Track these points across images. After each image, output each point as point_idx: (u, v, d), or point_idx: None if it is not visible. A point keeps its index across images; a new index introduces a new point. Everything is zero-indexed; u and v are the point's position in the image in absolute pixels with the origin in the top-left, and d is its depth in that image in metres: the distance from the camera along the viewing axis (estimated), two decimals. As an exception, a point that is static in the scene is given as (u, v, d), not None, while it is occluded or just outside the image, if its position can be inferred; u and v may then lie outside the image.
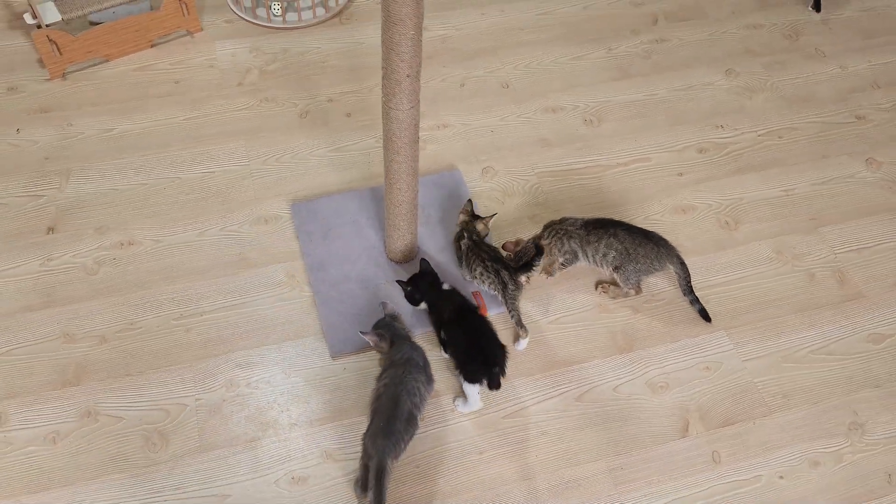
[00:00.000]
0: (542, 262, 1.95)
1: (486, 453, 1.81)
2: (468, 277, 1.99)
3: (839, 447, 1.85)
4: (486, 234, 2.04)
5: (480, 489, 1.75)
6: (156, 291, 2.04)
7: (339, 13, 2.78)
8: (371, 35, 2.71)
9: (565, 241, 1.98)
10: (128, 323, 1.98)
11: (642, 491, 1.76)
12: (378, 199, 2.23)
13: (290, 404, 1.86)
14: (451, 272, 2.07)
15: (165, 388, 1.88)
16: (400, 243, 2.01)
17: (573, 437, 1.84)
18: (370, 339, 1.78)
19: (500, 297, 1.92)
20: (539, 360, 1.96)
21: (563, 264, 2.04)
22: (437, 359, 1.92)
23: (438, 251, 2.13)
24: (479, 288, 1.99)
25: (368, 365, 1.92)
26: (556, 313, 2.05)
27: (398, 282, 1.93)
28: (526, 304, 2.05)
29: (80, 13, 2.42)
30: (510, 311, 1.90)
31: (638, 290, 2.05)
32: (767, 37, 2.80)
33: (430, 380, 1.76)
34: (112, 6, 2.47)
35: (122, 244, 2.13)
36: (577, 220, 2.00)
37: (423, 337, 1.96)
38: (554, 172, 2.35)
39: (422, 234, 2.15)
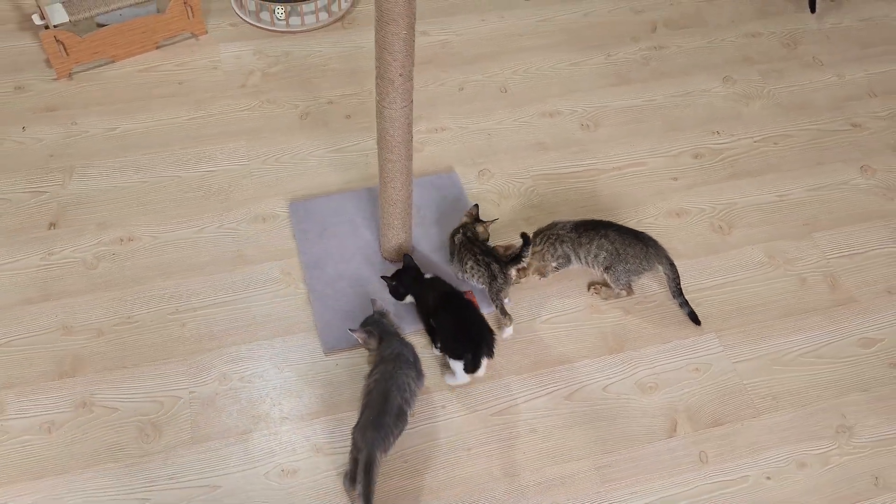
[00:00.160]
0: (531, 256, 1.98)
1: (474, 449, 1.82)
2: (459, 274, 2.02)
3: (826, 449, 1.85)
4: (486, 238, 2.06)
5: (467, 485, 1.77)
6: (153, 286, 2.08)
7: (342, 18, 2.83)
8: (372, 40, 2.73)
9: (557, 245, 2.00)
10: (125, 317, 2.02)
11: (628, 489, 1.78)
12: (375, 200, 2.26)
13: (282, 398, 1.89)
14: (446, 272, 2.09)
15: (160, 380, 1.91)
16: (394, 242, 2.04)
17: (561, 435, 1.85)
18: (358, 336, 1.81)
19: (486, 290, 1.95)
20: (530, 358, 1.97)
21: (556, 267, 2.07)
22: (429, 356, 1.94)
23: (433, 251, 2.15)
24: (468, 282, 2.01)
25: (361, 361, 1.94)
26: (548, 313, 2.07)
27: (383, 277, 1.97)
28: (518, 305, 2.07)
29: (87, 15, 2.48)
30: (494, 302, 1.93)
31: (629, 291, 2.06)
32: (766, 45, 2.83)
33: (420, 375, 1.79)
34: (119, 8, 2.52)
35: (122, 240, 2.17)
36: (566, 223, 2.03)
37: (413, 335, 1.98)
38: (549, 175, 2.38)
39: (417, 234, 2.17)
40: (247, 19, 2.79)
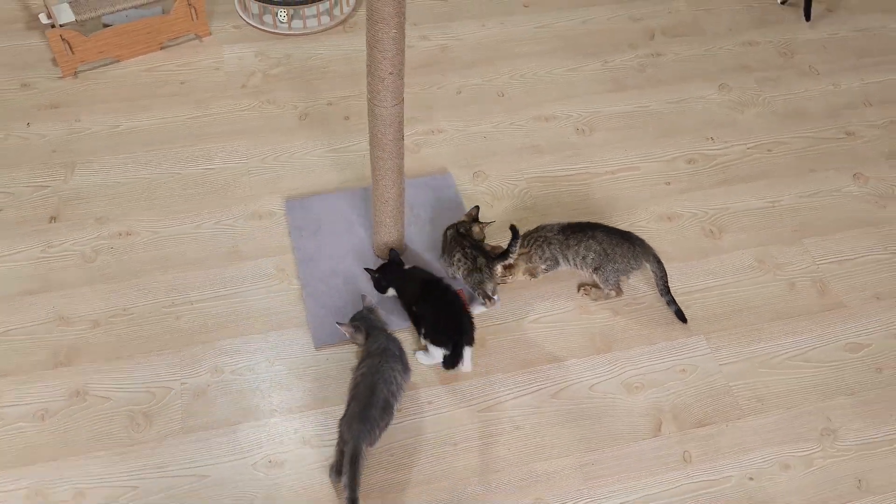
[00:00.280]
0: (518, 258, 2.00)
1: (460, 445, 1.84)
2: (448, 268, 2.04)
3: (810, 452, 1.86)
4: (482, 239, 2.08)
5: (452, 479, 1.79)
6: (150, 280, 2.11)
7: (343, 22, 2.87)
8: (373, 43, 2.79)
9: (545, 248, 2.03)
10: (121, 309, 2.05)
11: (611, 487, 1.79)
12: (370, 199, 2.28)
13: (272, 391, 1.92)
14: (437, 270, 2.11)
15: (153, 371, 1.94)
16: (386, 239, 2.07)
17: (546, 433, 1.87)
18: (346, 330, 1.83)
19: (464, 280, 1.99)
20: (518, 357, 2.00)
21: (545, 269, 2.09)
22: (415, 350, 1.97)
23: (426, 250, 2.18)
24: (454, 275, 2.04)
25: (350, 356, 1.97)
26: (537, 313, 2.09)
27: (367, 269, 2.00)
28: (508, 304, 2.09)
29: (92, 15, 2.53)
30: (473, 289, 1.98)
31: (619, 292, 2.08)
32: (763, 53, 2.85)
33: (406, 369, 1.81)
34: (124, 9, 2.58)
35: (121, 234, 2.21)
36: (553, 226, 2.05)
37: (400, 331, 2.01)
38: (543, 178, 2.41)
39: (410, 233, 2.20)
40: (250, 22, 2.84)
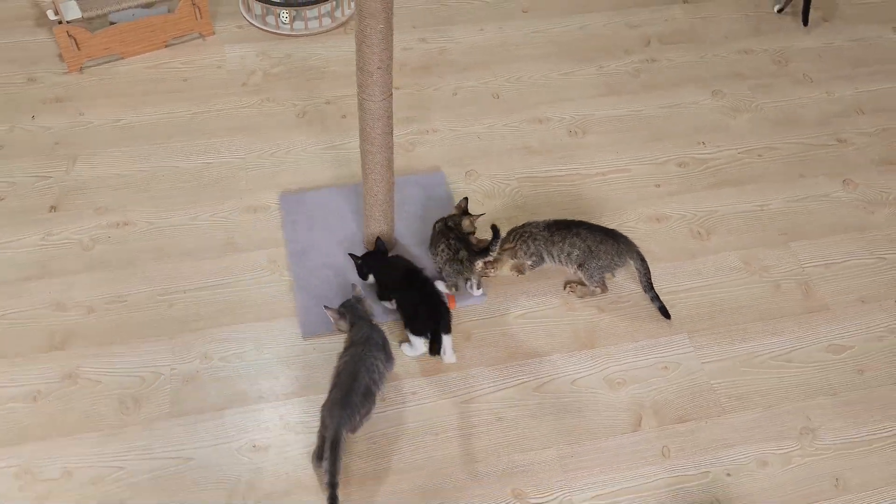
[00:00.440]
0: (504, 253, 2.04)
1: (441, 435, 1.87)
2: (433, 259, 2.08)
3: (789, 450, 1.88)
4: (472, 231, 2.12)
5: (432, 467, 1.82)
6: (145, 269, 2.16)
7: (344, 24, 2.93)
8: (372, 45, 2.84)
9: (530, 243, 2.06)
10: (115, 296, 2.10)
11: (590, 479, 1.81)
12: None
13: (260, 379, 1.95)
14: (429, 265, 2.15)
15: (144, 357, 1.98)
16: (376, 231, 2.11)
17: (527, 425, 1.90)
18: (330, 314, 1.87)
19: (443, 270, 2.03)
20: (502, 351, 2.03)
21: (531, 265, 2.12)
22: (399, 341, 2.00)
23: (416, 245, 2.22)
24: (439, 266, 2.07)
25: (336, 347, 1.99)
26: (522, 309, 2.12)
27: (351, 255, 2.05)
28: (494, 299, 2.13)
29: (99, 12, 2.60)
30: (449, 277, 2.02)
31: (604, 289, 2.11)
32: (757, 61, 2.88)
33: (389, 358, 1.84)
34: (130, 7, 2.64)
35: (119, 224, 2.26)
36: (539, 222, 2.08)
37: (385, 324, 2.05)
38: (534, 178, 2.44)
39: (400, 228, 2.24)
40: (253, 22, 2.90)
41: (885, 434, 1.91)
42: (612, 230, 2.07)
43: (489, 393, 1.95)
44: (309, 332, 2.03)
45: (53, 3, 2.54)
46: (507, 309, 2.11)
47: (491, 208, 2.34)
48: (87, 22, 2.62)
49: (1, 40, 2.78)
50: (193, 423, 1.87)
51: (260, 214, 2.31)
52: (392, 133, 1.89)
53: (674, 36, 2.97)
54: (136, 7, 2.69)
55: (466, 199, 2.15)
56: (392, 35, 1.68)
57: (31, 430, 1.85)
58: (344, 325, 1.87)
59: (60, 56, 2.71)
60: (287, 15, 2.84)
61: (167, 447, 1.83)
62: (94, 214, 2.28)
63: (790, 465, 1.86)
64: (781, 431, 1.91)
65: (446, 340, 1.90)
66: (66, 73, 2.68)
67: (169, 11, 2.76)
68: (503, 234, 2.07)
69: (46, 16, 2.57)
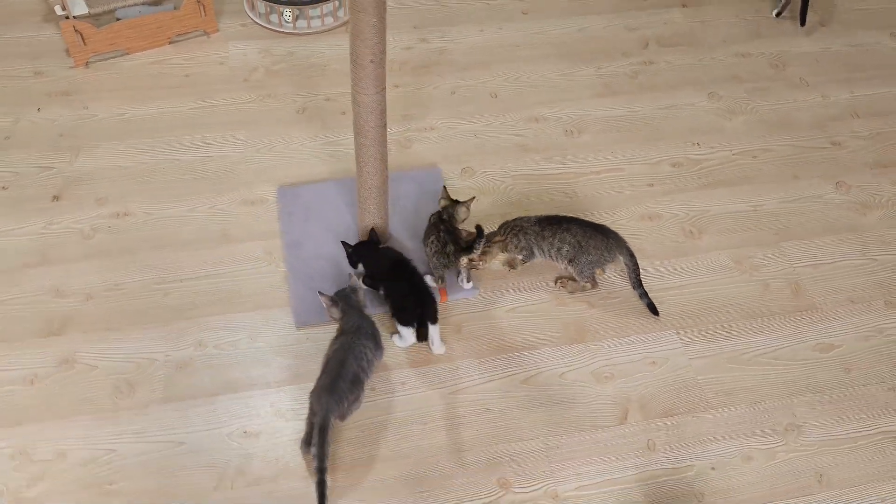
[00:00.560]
0: (495, 246, 2.07)
1: (429, 424, 1.90)
2: (425, 250, 2.10)
3: (774, 445, 1.89)
4: (466, 217, 2.13)
5: (419, 456, 1.84)
6: (143, 258, 2.20)
7: (346, 23, 2.97)
8: (373, 44, 2.89)
9: (521, 237, 2.09)
10: (113, 284, 2.14)
11: (574, 470, 1.83)
12: (359, 190, 2.37)
13: (252, 366, 1.99)
14: (422, 258, 2.18)
15: (139, 343, 2.02)
16: (370, 224, 2.14)
17: (514, 416, 1.92)
18: (324, 301, 1.90)
19: (432, 260, 2.06)
20: (492, 343, 2.05)
21: (522, 260, 2.15)
22: (389, 332, 2.03)
23: (409, 239, 2.25)
24: (426, 256, 2.11)
25: (329, 336, 2.02)
26: (513, 303, 2.14)
27: (343, 243, 2.08)
28: (485, 293, 2.15)
29: (105, 8, 2.66)
30: (435, 269, 2.06)
31: (594, 284, 2.14)
32: (755, 65, 2.90)
33: (378, 346, 1.87)
34: (136, 4, 2.69)
35: (118, 214, 2.30)
36: (531, 217, 2.11)
37: (381, 317, 2.08)
38: (529, 176, 2.47)
39: (395, 223, 2.28)
40: (257, 21, 2.95)
41: (869, 432, 1.93)
42: (602, 226, 2.09)
43: (477, 384, 1.98)
44: (302, 322, 2.06)
45: (61, -2, 2.60)
46: (498, 303, 2.14)
47: (485, 205, 2.37)
48: (94, 18, 2.67)
49: (10, 35, 2.84)
50: (186, 409, 1.90)
51: (257, 207, 2.34)
52: (385, 127, 1.92)
53: (672, 39, 3.00)
54: (143, 4, 2.74)
55: (444, 187, 2.17)
56: (385, 29, 1.71)
57: (27, 412, 1.88)
58: (336, 312, 1.90)
59: (67, 51, 2.77)
60: (290, 14, 2.89)
61: (159, 431, 1.86)
62: (95, 205, 2.33)
63: (774, 460, 1.87)
64: (767, 427, 1.93)
65: (433, 331, 1.93)
66: (72, 67, 2.73)
67: (174, 9, 2.81)
68: (496, 228, 2.11)
69: (54, 11, 2.63)
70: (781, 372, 2.03)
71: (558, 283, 2.17)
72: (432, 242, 2.05)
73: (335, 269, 2.16)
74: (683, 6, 3.14)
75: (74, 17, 2.61)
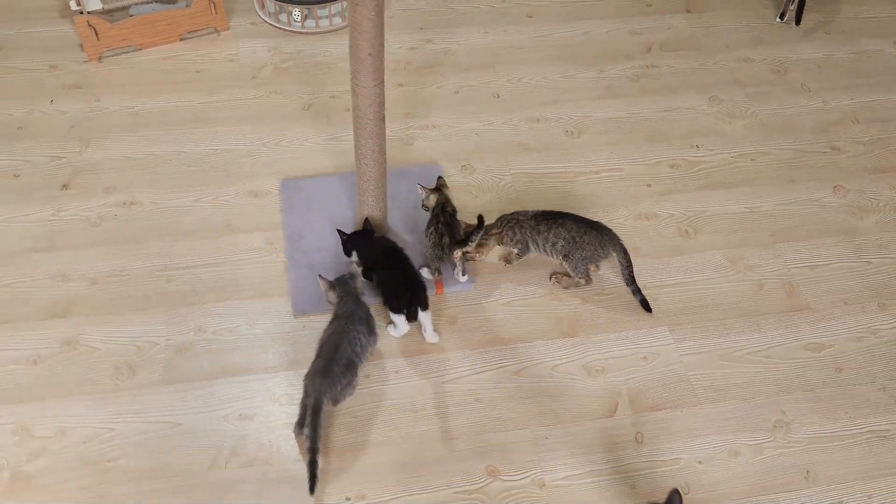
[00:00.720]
0: (492, 238, 2.11)
1: (421, 412, 1.93)
2: (425, 239, 2.14)
3: (762, 441, 1.91)
4: (430, 207, 2.16)
5: (409, 442, 1.87)
6: (147, 245, 2.25)
7: (354, 23, 3.02)
8: (379, 43, 2.94)
9: (516, 230, 2.12)
10: (118, 269, 2.19)
11: (562, 460, 1.86)
12: (361, 184, 2.41)
13: (250, 352, 2.03)
14: (419, 251, 2.22)
15: (141, 327, 2.07)
16: (368, 216, 2.18)
17: (504, 406, 1.95)
18: (323, 284, 1.95)
19: (429, 252, 2.10)
20: (485, 335, 2.08)
21: (518, 254, 2.18)
22: (385, 322, 2.07)
23: (408, 233, 2.29)
24: (425, 248, 2.15)
25: (326, 324, 2.07)
26: (508, 297, 2.17)
27: (339, 231, 2.12)
28: (481, 287, 2.19)
29: (119, 4, 2.72)
30: (430, 263, 2.10)
31: (588, 280, 2.16)
32: (756, 70, 2.93)
33: (371, 332, 1.91)
34: (149, 1, 2.76)
35: (125, 203, 2.36)
36: (528, 212, 2.14)
37: (377, 307, 2.11)
38: (528, 174, 2.51)
39: (394, 217, 2.32)
40: (266, 19, 3.01)
41: (857, 430, 1.94)
42: (597, 222, 2.12)
43: (469, 375, 2.01)
44: (300, 311, 2.10)
45: (76, -7, 2.67)
46: (493, 296, 2.17)
47: (484, 201, 2.41)
48: (108, 14, 2.74)
49: (26, 29, 2.92)
50: (183, 391, 1.95)
51: (261, 199, 2.39)
52: (384, 120, 1.96)
53: (675, 43, 3.03)
54: (155, 2, 2.81)
55: (440, 176, 2.21)
56: (383, 23, 1.76)
57: (29, 390, 1.93)
58: (333, 296, 1.94)
59: (81, 46, 2.84)
60: (299, 13, 2.95)
61: (157, 412, 1.91)
62: (102, 194, 2.39)
63: (762, 455, 1.89)
64: (755, 424, 1.94)
65: (424, 317, 1.97)
66: (85, 61, 2.80)
67: (186, 6, 2.88)
68: (494, 221, 2.14)
69: (69, 7, 2.70)
70: (773, 370, 2.05)
71: (553, 279, 2.20)
72: (431, 233, 2.08)
73: (334, 260, 2.20)
74: (688, 12, 3.17)
75: (89, 12, 2.68)
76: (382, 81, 1.87)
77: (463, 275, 2.15)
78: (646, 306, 2.12)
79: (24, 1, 3.04)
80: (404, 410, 1.93)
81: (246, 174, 2.47)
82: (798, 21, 3.05)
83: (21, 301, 2.11)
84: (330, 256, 2.21)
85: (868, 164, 2.59)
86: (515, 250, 2.16)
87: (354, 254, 2.09)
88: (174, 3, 2.89)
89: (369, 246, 2.07)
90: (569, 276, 2.17)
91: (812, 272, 2.27)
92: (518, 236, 2.11)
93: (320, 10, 2.97)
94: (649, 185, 2.49)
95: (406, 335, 2.05)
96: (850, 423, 1.95)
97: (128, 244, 2.26)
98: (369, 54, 1.78)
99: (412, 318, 1.97)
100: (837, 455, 1.89)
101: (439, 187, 2.17)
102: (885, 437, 1.93)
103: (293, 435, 1.87)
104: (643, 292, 2.14)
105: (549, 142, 2.62)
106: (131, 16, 2.85)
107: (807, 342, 2.11)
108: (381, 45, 1.79)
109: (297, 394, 1.92)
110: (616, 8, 3.17)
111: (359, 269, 2.06)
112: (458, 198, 2.40)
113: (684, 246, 2.32)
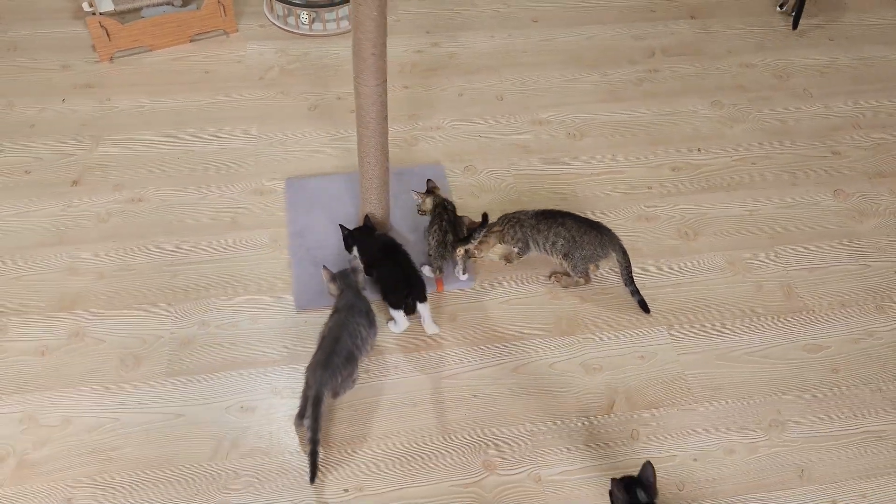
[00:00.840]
0: (493, 236, 2.14)
1: (420, 406, 1.96)
2: (427, 237, 2.17)
3: (757, 440, 1.93)
4: (426, 211, 2.20)
5: (408, 436, 1.90)
6: (154, 241, 2.29)
7: (361, 26, 3.07)
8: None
9: (517, 228, 2.15)
10: (125, 264, 2.23)
11: (558, 456, 1.88)
12: (365, 184, 2.44)
13: (252, 346, 2.06)
14: (421, 250, 2.25)
15: (146, 321, 2.10)
16: (371, 214, 2.21)
17: (503, 402, 1.97)
18: (325, 275, 1.98)
19: (430, 249, 2.13)
20: (485, 332, 2.11)
21: (518, 253, 2.21)
22: (384, 318, 2.10)
23: (410, 231, 2.32)
24: (427, 246, 2.17)
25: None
26: (508, 295, 2.20)
27: (340, 226, 2.15)
28: (481, 284, 2.22)
29: (131, 6, 2.78)
30: (432, 260, 2.13)
31: (587, 279, 2.19)
32: (758, 75, 2.95)
33: (371, 324, 1.94)
34: (160, 3, 2.82)
35: (133, 200, 2.41)
36: (529, 211, 2.17)
37: (378, 303, 2.15)
38: (530, 176, 2.54)
39: (396, 216, 2.35)
40: (275, 22, 3.06)
41: (852, 431, 1.95)
42: (597, 222, 2.15)
43: (468, 371, 2.03)
44: (302, 306, 2.13)
45: (89, -5, 2.73)
46: (493, 294, 2.20)
47: (485, 201, 2.44)
48: (120, 15, 2.80)
49: (39, 30, 2.98)
50: (187, 383, 1.98)
51: (266, 197, 2.43)
52: (386, 119, 2.00)
53: (678, 48, 3.05)
54: (166, 4, 2.86)
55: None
56: (385, 23, 1.80)
57: (37, 380, 1.97)
58: (334, 289, 1.98)
59: (93, 46, 2.89)
60: (307, 16, 2.99)
61: (161, 403, 1.94)
62: (111, 190, 2.43)
63: (756, 454, 1.90)
64: (751, 422, 1.96)
65: (423, 309, 2.00)
66: (97, 62, 2.86)
67: (197, 8, 2.93)
68: (496, 219, 2.17)
69: (82, 8, 2.76)
70: (769, 370, 2.06)
71: (552, 278, 2.23)
72: (435, 232, 2.12)
73: (337, 257, 2.24)
74: (692, 17, 3.20)
75: (101, 13, 2.74)
76: (385, 81, 1.90)
77: (463, 273, 2.18)
78: (644, 307, 2.14)
79: (38, 2, 3.10)
80: (403, 405, 1.96)
81: (252, 173, 2.51)
82: (795, 25, 3.07)
83: (30, 293, 2.16)
84: (332, 254, 2.24)
85: (869, 168, 2.61)
86: (516, 249, 2.19)
87: (355, 249, 2.13)
88: (185, 6, 2.95)
89: (370, 242, 2.11)
90: (568, 275, 2.20)
91: (810, 274, 2.29)
92: (518, 235, 2.14)
93: (327, 14, 3.02)
94: (650, 188, 2.52)
95: (406, 331, 2.08)
96: (845, 424, 1.96)
97: (135, 240, 2.30)
98: (372, 54, 1.82)
99: (410, 310, 2.00)
100: (832, 455, 1.91)
101: (431, 190, 2.21)
102: (880, 437, 1.94)
103: (293, 427, 1.90)
104: (642, 293, 2.17)
105: (552, 144, 2.65)
106: (142, 17, 2.90)
107: (804, 343, 2.13)
108: (384, 44, 1.82)
109: (299, 387, 1.95)
110: (620, 13, 3.21)
111: (360, 265, 2.09)
112: (460, 198, 2.44)
113: (684, 247, 2.35)
